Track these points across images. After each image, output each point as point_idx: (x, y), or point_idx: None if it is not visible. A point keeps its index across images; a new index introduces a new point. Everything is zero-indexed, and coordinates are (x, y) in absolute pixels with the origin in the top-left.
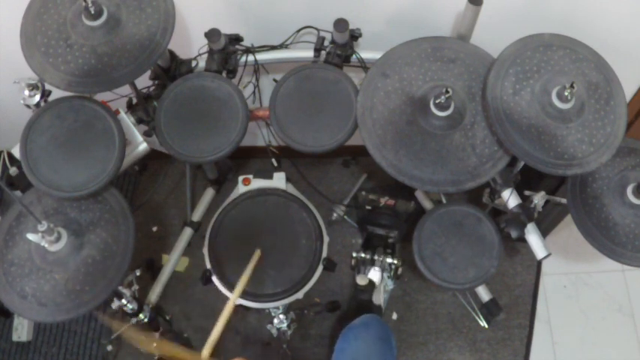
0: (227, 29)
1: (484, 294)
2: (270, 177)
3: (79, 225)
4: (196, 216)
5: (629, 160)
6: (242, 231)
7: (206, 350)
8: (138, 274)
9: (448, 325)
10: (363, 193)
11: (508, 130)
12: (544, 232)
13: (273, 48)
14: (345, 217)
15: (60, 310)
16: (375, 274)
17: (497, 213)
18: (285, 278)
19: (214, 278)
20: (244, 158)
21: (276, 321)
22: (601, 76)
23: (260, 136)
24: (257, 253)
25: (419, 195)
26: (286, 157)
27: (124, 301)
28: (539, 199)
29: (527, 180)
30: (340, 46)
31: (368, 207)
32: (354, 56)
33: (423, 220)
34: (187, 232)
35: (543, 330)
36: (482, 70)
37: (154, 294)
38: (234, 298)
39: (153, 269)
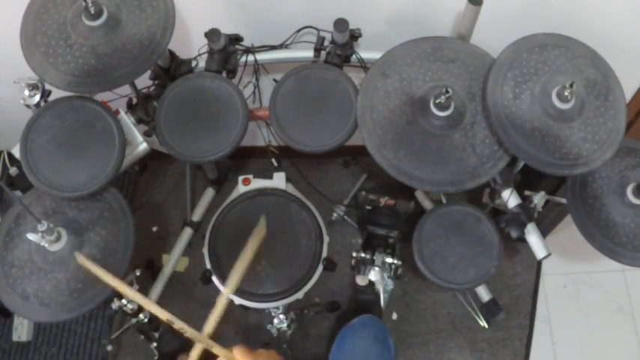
0: (227, 29)
1: (484, 294)
2: (270, 177)
3: (79, 224)
4: (196, 216)
5: (629, 160)
6: (242, 231)
7: (208, 328)
8: (138, 274)
9: (448, 325)
10: (363, 193)
11: (512, 135)
12: (544, 232)
13: (273, 48)
14: (345, 217)
15: (62, 309)
16: (374, 275)
17: (497, 213)
18: (285, 278)
19: (214, 278)
20: (244, 158)
21: (276, 321)
22: (598, 72)
23: (260, 136)
24: (261, 223)
25: (419, 195)
26: (286, 157)
27: (124, 301)
28: (539, 199)
29: (527, 180)
30: (340, 46)
31: (368, 207)
32: (354, 56)
33: (423, 220)
34: (187, 232)
35: (543, 330)
36: (482, 70)
37: (154, 294)
38: (234, 281)
39: (153, 269)
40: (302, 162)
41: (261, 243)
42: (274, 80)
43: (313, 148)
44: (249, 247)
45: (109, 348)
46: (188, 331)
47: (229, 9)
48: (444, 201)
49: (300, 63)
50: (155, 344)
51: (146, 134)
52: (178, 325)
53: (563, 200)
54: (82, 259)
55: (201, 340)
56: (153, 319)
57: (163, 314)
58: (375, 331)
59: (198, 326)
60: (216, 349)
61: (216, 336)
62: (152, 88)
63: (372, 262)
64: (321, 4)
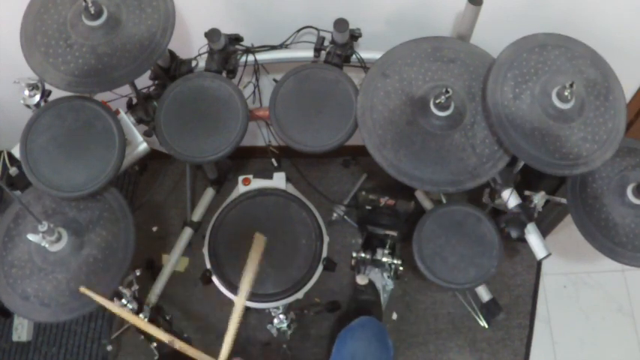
0: (227, 29)
1: (484, 294)
2: (270, 177)
3: (79, 224)
4: (196, 216)
5: (629, 160)
6: (242, 231)
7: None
8: (138, 274)
9: (448, 325)
10: (363, 193)
11: (512, 135)
12: (544, 232)
13: (273, 48)
14: (345, 217)
15: (63, 309)
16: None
17: (497, 213)
18: (285, 278)
19: (214, 278)
20: (244, 158)
21: (276, 321)
22: (598, 71)
23: (260, 136)
24: (259, 240)
25: (419, 195)
26: (286, 157)
27: (124, 301)
28: (539, 199)
29: (527, 180)
30: (340, 46)
31: (368, 207)
32: (354, 56)
33: (423, 220)
34: (187, 232)
35: (543, 330)
36: (482, 70)
37: (154, 294)
38: (244, 293)
39: (153, 269)
40: (302, 162)
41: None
42: (274, 80)
43: (313, 148)
44: (252, 258)
45: (109, 348)
46: (189, 351)
47: (229, 9)
48: (444, 201)
49: (300, 63)
50: (155, 344)
51: (146, 134)
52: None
53: (563, 200)
54: (85, 291)
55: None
56: (152, 319)
57: (166, 337)
58: (373, 332)
59: (198, 326)
60: None
61: (216, 336)
62: (152, 88)
63: (372, 262)
64: (321, 4)
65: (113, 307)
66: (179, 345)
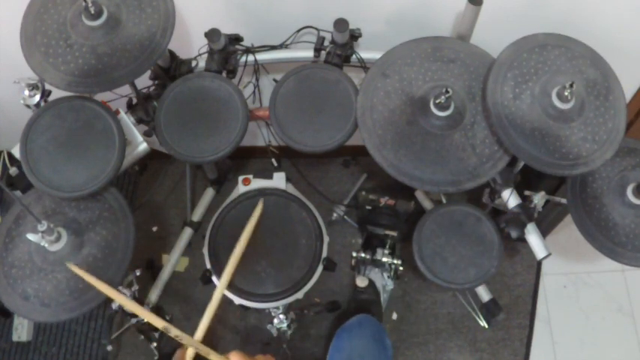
0: (227, 29)
1: (484, 294)
2: (270, 177)
3: (79, 224)
4: (196, 216)
5: (629, 160)
6: (242, 231)
7: (199, 332)
8: (138, 274)
9: (448, 325)
10: (363, 193)
11: (512, 135)
12: (544, 232)
13: (273, 48)
14: (345, 217)
15: (63, 309)
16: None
17: (497, 213)
18: (285, 278)
19: (214, 278)
20: (244, 158)
21: (276, 321)
22: (598, 71)
23: (260, 136)
24: (259, 206)
25: (419, 195)
26: (286, 157)
27: None
28: (539, 199)
29: (527, 180)
30: (340, 46)
31: (368, 207)
32: (354, 56)
33: (423, 220)
34: (187, 232)
35: (543, 330)
36: (482, 70)
37: (154, 294)
38: (232, 265)
39: (153, 269)
40: (302, 162)
41: (257, 225)
42: (274, 80)
43: (313, 148)
44: (247, 229)
45: (109, 348)
46: (184, 339)
47: (229, 9)
48: (444, 201)
49: (300, 63)
50: (155, 344)
51: (146, 134)
52: (175, 332)
53: (563, 200)
54: (75, 269)
55: (198, 347)
56: None
57: (159, 322)
58: (372, 331)
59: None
60: (213, 356)
61: (217, 337)
62: (152, 88)
63: (372, 262)
64: (321, 4)
65: (102, 285)
66: (175, 333)
